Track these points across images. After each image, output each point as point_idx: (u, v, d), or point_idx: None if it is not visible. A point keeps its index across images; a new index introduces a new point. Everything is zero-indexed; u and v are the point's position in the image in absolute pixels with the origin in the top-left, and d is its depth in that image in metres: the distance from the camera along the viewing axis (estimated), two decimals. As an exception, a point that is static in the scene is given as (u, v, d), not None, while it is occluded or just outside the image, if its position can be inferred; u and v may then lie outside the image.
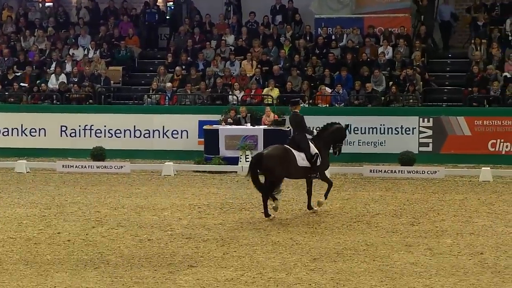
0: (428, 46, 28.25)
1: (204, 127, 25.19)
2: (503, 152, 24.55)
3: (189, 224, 16.76)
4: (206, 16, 30.72)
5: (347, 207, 18.42)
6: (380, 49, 27.80)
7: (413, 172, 22.71)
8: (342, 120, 24.88)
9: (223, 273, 13.02)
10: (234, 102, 26.57)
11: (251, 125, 25.03)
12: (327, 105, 26.13)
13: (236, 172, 23.71)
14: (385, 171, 22.69)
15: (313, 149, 17.69)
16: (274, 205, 17.46)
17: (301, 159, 17.52)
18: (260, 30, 29.67)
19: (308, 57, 28.09)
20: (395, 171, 22.78)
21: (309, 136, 17.99)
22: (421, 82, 26.34)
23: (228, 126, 24.95)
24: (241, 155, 24.17)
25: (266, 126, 24.86)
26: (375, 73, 26.40)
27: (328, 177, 18.68)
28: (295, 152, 17.51)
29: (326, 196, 18.24)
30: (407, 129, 24.96)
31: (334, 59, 27.60)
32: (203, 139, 25.16)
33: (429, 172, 22.62)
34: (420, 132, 24.90)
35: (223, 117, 25.38)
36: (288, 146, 17.70)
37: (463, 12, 29.84)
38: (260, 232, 15.92)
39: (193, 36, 29.79)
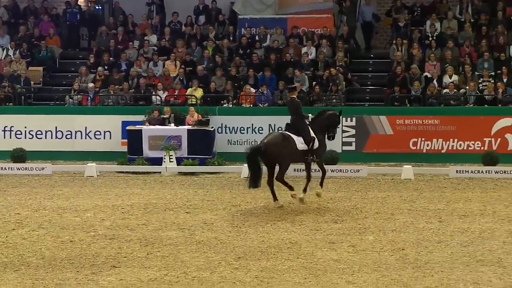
0: (350, 47, 28.55)
1: (127, 127, 24.94)
2: (424, 151, 24.91)
3: (112, 225, 16.57)
4: (129, 16, 30.47)
5: (271, 206, 18.45)
6: (304, 50, 27.98)
7: (336, 171, 22.86)
8: (267, 120, 25.34)
9: (146, 273, 12.91)
10: (157, 103, 26.40)
11: (174, 125, 24.91)
12: (251, 105, 26.18)
13: (160, 172, 23.57)
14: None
15: (311, 133, 18.36)
16: (292, 193, 18.32)
17: (299, 143, 18.24)
18: (183, 30, 29.57)
19: (232, 57, 28.10)
20: (318, 170, 22.84)
21: (306, 121, 18.61)
22: (344, 82, 26.59)
23: (152, 127, 24.77)
24: (165, 156, 24.01)
25: (190, 126, 24.77)
26: (296, 73, 26.52)
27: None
28: (293, 136, 18.21)
29: (321, 185, 18.83)
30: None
31: (258, 59, 27.66)
32: (126, 140, 24.91)
33: (352, 171, 22.82)
34: (343, 131, 25.07)
35: (146, 117, 25.19)
36: (286, 132, 18.37)
37: (385, 13, 30.24)
38: (184, 232, 15.84)
39: (116, 36, 29.52)
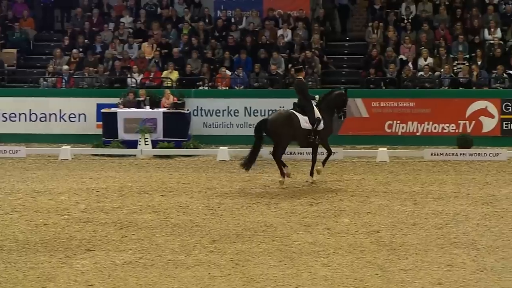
0: (326, 29, 28.53)
1: (102, 110, 24.82)
2: (400, 133, 24.98)
3: (87, 208, 16.51)
4: (104, -1, 30.30)
5: (246, 189, 18.48)
6: (280, 32, 27.93)
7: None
8: (242, 103, 25.33)
9: (121, 256, 12.88)
10: (133, 85, 26.28)
11: (150, 108, 24.82)
12: (227, 88, 26.12)
13: (135, 155, 23.49)
14: (284, 153, 22.71)
15: (317, 113, 18.67)
16: (285, 171, 18.67)
17: (304, 122, 18.60)
18: (159, 12, 29.40)
19: (208, 39, 27.99)
20: (294, 153, 22.86)
21: (313, 102, 18.90)
22: (320, 65, 26.58)
23: (127, 109, 24.66)
24: (140, 138, 23.92)
25: (165, 109, 24.69)
26: (274, 56, 26.49)
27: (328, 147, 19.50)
28: (298, 115, 18.57)
29: (324, 163, 19.27)
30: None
31: (234, 42, 27.58)
32: (101, 123, 24.80)
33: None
34: (319, 114, 25.03)
35: (121, 100, 25.07)
36: (293, 111, 18.67)
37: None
38: (159, 215, 15.81)
39: (91, 18, 29.31)
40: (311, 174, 19.13)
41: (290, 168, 19.08)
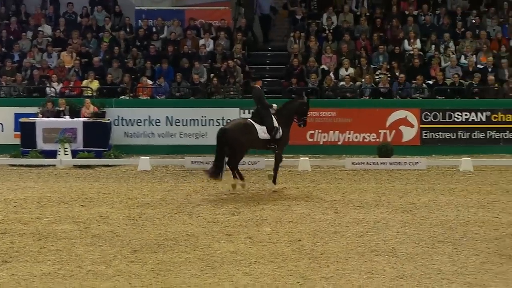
0: (248, 39, 28.59)
1: (20, 120, 24.41)
2: (321, 143, 25.16)
3: (4, 219, 16.16)
4: (22, 7, 29.76)
5: (168, 198, 18.34)
6: (201, 41, 27.87)
7: (234, 163, 22.80)
8: (164, 112, 25.20)
9: (39, 268, 12.63)
10: (52, 94, 25.87)
11: (70, 117, 24.47)
12: (149, 97, 25.93)
13: (55, 165, 23.11)
14: (206, 163, 22.59)
15: (275, 122, 18.87)
16: (241, 183, 19.08)
17: (262, 132, 18.83)
18: (79, 21, 29.04)
19: (129, 49, 27.76)
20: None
21: (271, 111, 19.08)
22: (242, 74, 26.60)
23: (46, 119, 24.27)
24: (59, 148, 23.55)
25: (85, 118, 24.38)
26: (196, 65, 26.42)
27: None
28: (256, 125, 18.79)
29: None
30: (228, 121, 25.03)
31: (155, 51, 27.42)
32: (19, 132, 24.36)
33: (249, 163, 22.77)
34: (240, 124, 25.04)
35: (40, 109, 24.66)
36: (250, 120, 18.92)
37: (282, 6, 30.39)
38: (79, 225, 15.57)
39: (8, 27, 28.80)
40: (274, 182, 19.34)
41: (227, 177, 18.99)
